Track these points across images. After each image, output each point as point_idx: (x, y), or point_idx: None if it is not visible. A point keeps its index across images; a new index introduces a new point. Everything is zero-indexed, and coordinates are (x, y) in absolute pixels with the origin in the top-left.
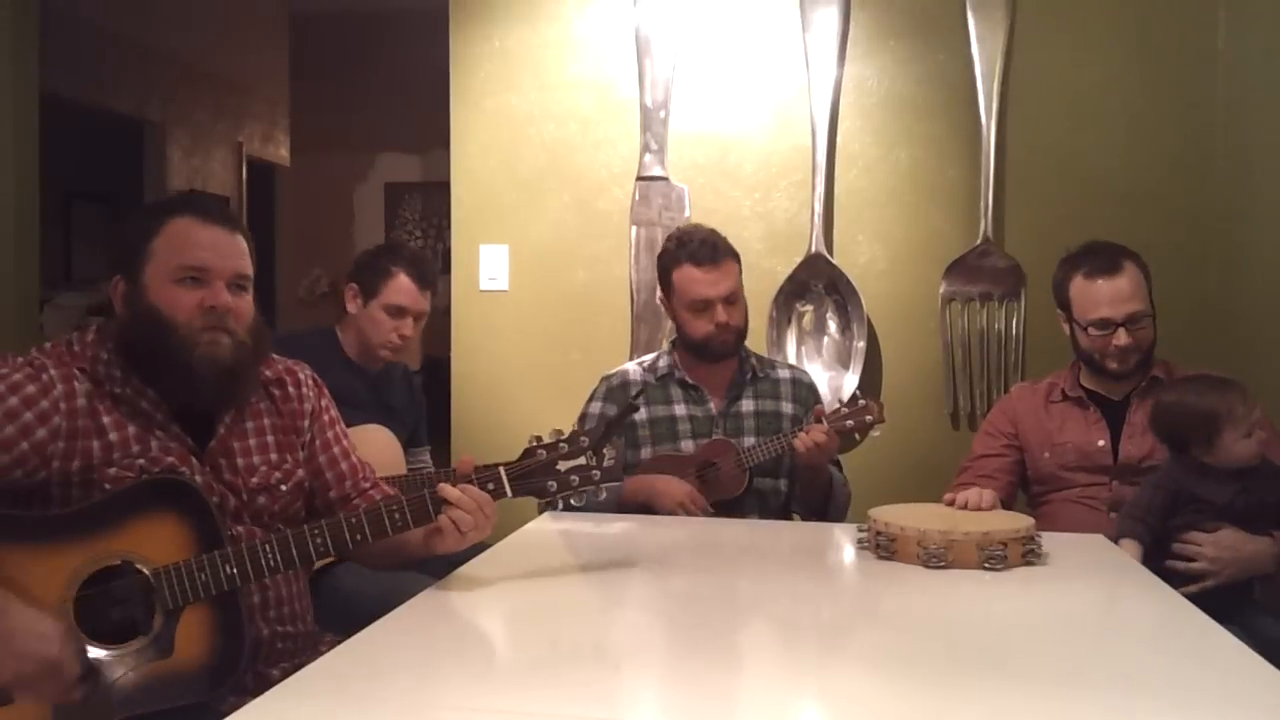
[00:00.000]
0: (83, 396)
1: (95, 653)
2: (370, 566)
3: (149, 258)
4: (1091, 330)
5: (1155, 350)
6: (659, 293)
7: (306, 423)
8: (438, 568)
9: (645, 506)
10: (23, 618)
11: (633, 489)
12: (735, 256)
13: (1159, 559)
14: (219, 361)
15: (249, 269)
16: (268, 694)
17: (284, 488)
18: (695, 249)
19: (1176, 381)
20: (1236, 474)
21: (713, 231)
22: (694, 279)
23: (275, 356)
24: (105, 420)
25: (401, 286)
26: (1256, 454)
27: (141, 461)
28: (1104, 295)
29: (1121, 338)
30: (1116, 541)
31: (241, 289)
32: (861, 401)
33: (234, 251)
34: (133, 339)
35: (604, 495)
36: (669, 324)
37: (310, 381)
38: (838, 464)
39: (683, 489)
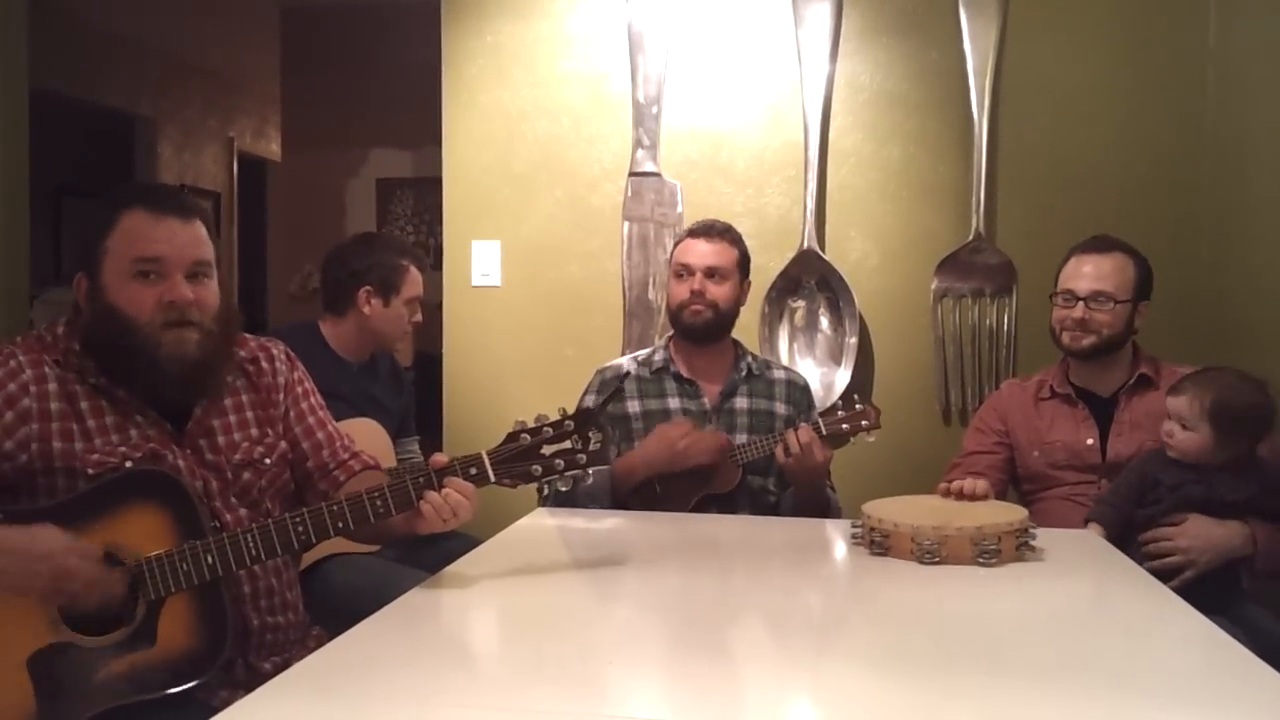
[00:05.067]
0: (54, 382)
1: (79, 646)
2: (351, 540)
3: (105, 255)
4: (1058, 300)
5: (1144, 346)
6: (666, 277)
7: (281, 395)
8: (431, 563)
9: (648, 483)
10: (15, 538)
11: (630, 466)
12: (738, 246)
13: (1126, 548)
14: (186, 358)
15: (208, 255)
16: (259, 690)
17: (268, 461)
18: (700, 225)
19: (1240, 375)
20: (1194, 467)
21: (730, 225)
22: (686, 246)
23: (248, 335)
24: (83, 406)
25: (415, 278)
26: (1162, 436)
27: (123, 449)
28: (1079, 269)
29: (1078, 311)
30: (1085, 525)
31: (203, 276)
32: (859, 406)
33: (189, 240)
34: (97, 340)
35: (590, 479)
36: (661, 320)
37: (283, 356)
38: (831, 486)
39: (682, 426)
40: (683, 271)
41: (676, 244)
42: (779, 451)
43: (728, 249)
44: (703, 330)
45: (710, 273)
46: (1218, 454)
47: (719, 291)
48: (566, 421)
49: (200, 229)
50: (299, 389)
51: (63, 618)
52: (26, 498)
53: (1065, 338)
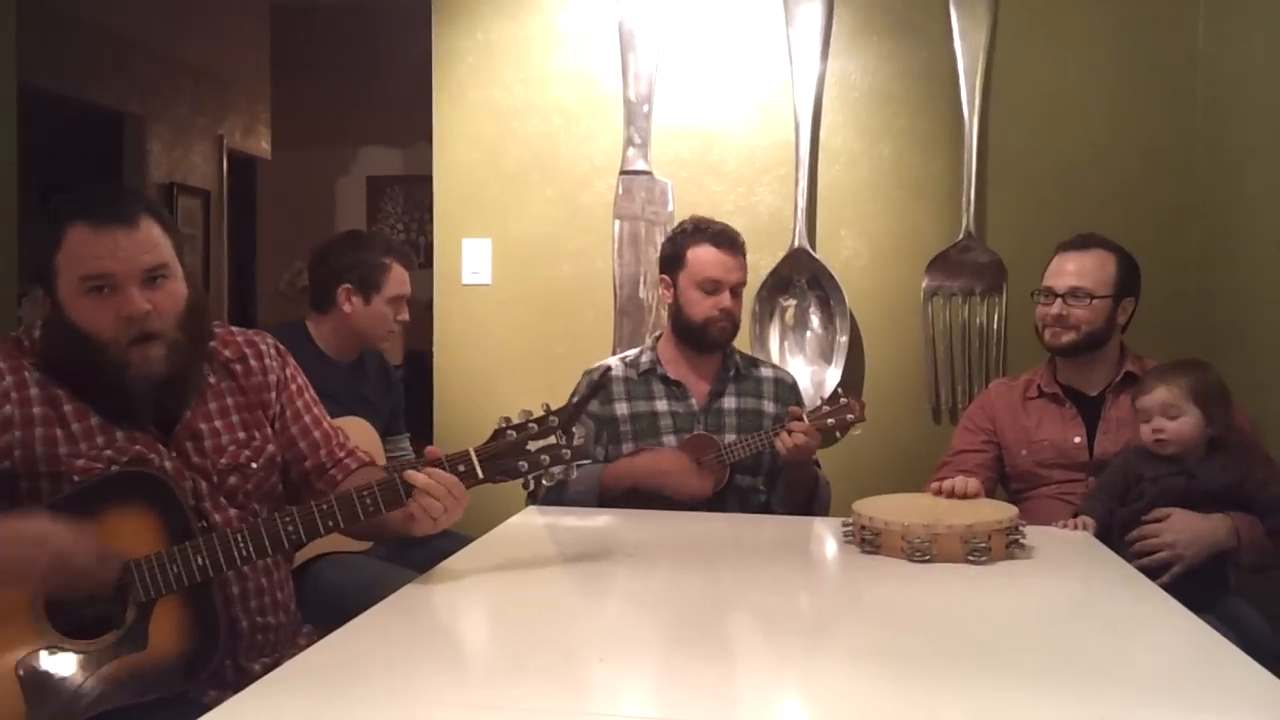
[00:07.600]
0: (35, 386)
1: (68, 651)
2: (352, 538)
3: (56, 273)
4: (1039, 298)
5: (1132, 345)
6: (659, 275)
7: (273, 395)
8: (422, 562)
9: (635, 490)
10: (9, 525)
11: (617, 473)
12: (746, 256)
13: (1111, 543)
14: (153, 376)
15: (162, 257)
16: (249, 689)
17: (254, 465)
18: (717, 233)
19: (1186, 360)
20: (1177, 459)
21: (729, 226)
22: (712, 259)
23: (234, 329)
24: (66, 408)
25: (398, 277)
26: (1148, 437)
27: (109, 452)
28: (1059, 266)
29: (1055, 307)
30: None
31: (160, 279)
32: (843, 400)
33: (139, 247)
34: (60, 357)
35: (575, 474)
36: (652, 319)
37: (273, 351)
38: (816, 462)
39: (679, 459)
40: (711, 287)
41: (687, 245)
42: (779, 444)
43: (744, 262)
44: (726, 341)
45: (735, 290)
46: (1206, 433)
47: (739, 306)
48: (550, 417)
49: (150, 230)
50: (293, 386)
51: (49, 619)
52: (8, 503)
53: (1046, 334)
